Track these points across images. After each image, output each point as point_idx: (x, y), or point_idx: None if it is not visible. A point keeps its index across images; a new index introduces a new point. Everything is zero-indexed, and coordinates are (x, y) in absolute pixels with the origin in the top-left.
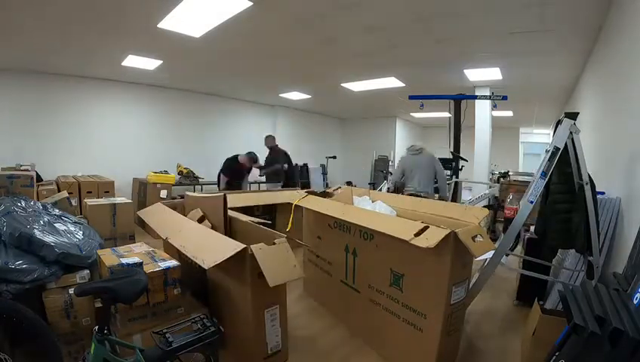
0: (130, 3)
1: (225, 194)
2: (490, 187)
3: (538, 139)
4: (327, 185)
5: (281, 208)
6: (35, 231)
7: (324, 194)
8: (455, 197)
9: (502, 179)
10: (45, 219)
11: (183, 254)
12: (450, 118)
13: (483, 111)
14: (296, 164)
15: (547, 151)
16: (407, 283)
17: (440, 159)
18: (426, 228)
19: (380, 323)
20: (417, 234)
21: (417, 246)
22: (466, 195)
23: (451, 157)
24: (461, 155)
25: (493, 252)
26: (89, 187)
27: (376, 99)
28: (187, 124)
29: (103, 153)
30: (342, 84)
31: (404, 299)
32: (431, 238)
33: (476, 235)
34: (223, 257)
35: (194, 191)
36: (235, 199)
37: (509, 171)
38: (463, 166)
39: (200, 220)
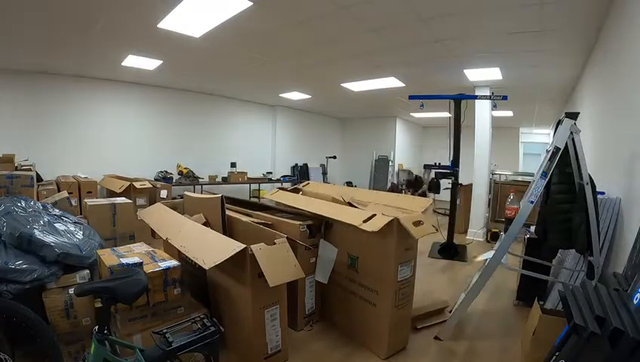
0: (130, 3)
1: (222, 196)
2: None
3: (538, 139)
4: None
5: None
6: (35, 231)
7: (295, 190)
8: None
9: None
10: (45, 219)
11: (183, 254)
12: (450, 118)
13: (483, 111)
14: (297, 164)
15: (547, 152)
16: (362, 264)
17: (442, 166)
18: (373, 215)
19: (343, 303)
20: (366, 221)
21: (365, 230)
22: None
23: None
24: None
25: (493, 252)
26: (89, 187)
27: (376, 99)
28: (187, 124)
29: (103, 153)
30: (342, 84)
31: (360, 278)
32: (376, 224)
33: (419, 221)
34: (224, 257)
35: (194, 191)
36: None
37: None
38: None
39: (205, 225)
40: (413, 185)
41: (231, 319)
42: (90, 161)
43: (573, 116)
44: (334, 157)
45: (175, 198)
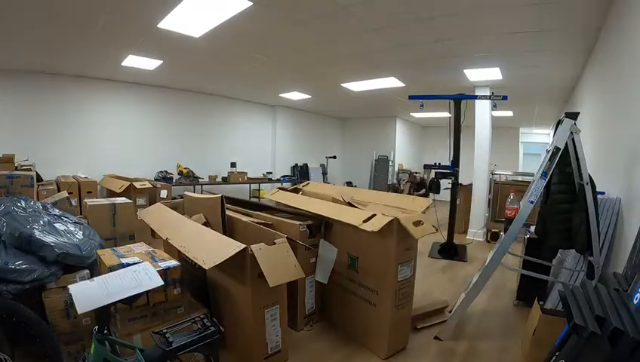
0: (130, 3)
1: (222, 195)
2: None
3: (538, 139)
4: None
5: None
6: (35, 231)
7: (295, 190)
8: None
9: None
10: (45, 219)
11: (183, 254)
12: (450, 118)
13: (483, 111)
14: (297, 164)
15: (547, 152)
16: (362, 264)
17: (442, 166)
18: (373, 215)
19: (343, 303)
20: (366, 221)
21: (365, 230)
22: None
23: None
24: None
25: (493, 252)
26: (89, 187)
27: (376, 99)
28: (187, 124)
29: (103, 153)
30: (342, 84)
31: (360, 278)
32: (376, 224)
33: (419, 221)
34: (224, 257)
35: (194, 191)
36: None
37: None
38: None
39: (205, 225)
40: (419, 187)
41: (231, 319)
42: (90, 161)
43: (573, 116)
44: (334, 157)
45: (175, 198)
